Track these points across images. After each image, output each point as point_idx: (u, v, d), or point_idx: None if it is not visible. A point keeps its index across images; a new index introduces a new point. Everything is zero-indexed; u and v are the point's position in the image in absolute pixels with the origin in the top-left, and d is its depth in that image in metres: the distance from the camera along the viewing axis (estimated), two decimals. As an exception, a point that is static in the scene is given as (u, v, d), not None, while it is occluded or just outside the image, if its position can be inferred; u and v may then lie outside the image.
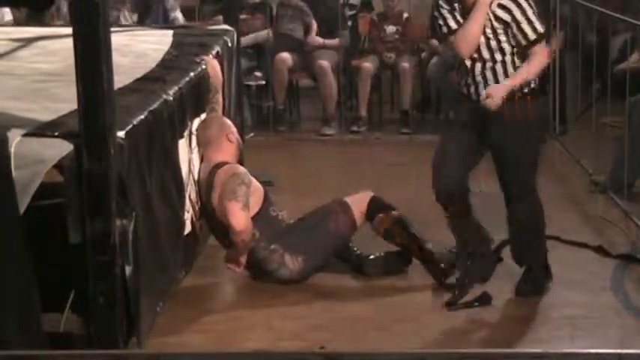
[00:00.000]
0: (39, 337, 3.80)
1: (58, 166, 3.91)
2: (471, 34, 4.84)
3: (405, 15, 8.87)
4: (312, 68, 8.60)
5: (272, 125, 8.59)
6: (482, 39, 4.86)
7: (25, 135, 3.85)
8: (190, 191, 5.08)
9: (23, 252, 3.75)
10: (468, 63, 4.91)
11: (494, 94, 4.82)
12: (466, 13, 4.87)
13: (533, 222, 5.03)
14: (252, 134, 8.10)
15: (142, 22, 8.55)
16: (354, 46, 9.13)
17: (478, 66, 4.90)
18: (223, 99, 5.78)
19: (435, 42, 8.72)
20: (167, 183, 4.68)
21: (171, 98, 4.74)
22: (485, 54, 4.89)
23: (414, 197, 6.69)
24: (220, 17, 7.48)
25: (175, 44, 6.13)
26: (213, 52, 5.87)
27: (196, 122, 5.31)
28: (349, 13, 9.26)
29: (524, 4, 4.83)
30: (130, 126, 4.13)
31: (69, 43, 3.88)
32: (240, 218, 4.91)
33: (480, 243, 5.21)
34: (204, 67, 5.51)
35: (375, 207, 5.30)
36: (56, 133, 3.92)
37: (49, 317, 4.01)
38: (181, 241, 4.93)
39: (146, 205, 4.30)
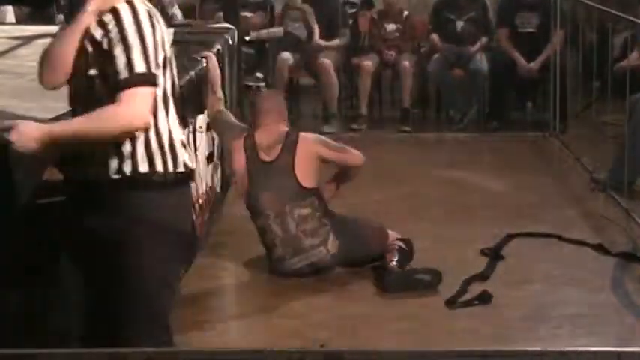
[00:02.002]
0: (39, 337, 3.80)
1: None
2: (55, 57, 3.27)
3: (406, 13, 8.87)
4: (314, 67, 8.60)
5: (272, 124, 8.58)
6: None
7: (25, 134, 3.84)
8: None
9: (23, 251, 3.75)
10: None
11: (23, 129, 3.18)
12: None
13: None
14: (252, 132, 8.09)
15: None
16: (354, 45, 9.14)
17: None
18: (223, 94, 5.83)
19: (435, 38, 8.74)
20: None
21: (171, 97, 4.73)
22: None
23: (413, 195, 6.71)
24: (221, 15, 7.48)
25: (176, 42, 6.12)
26: (214, 50, 5.86)
27: (198, 120, 5.31)
28: (350, 11, 9.27)
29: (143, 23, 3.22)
30: (130, 125, 4.12)
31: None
32: (355, 152, 5.38)
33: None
34: (204, 64, 5.52)
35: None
36: (56, 132, 3.90)
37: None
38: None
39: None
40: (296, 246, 5.17)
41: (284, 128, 5.33)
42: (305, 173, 5.19)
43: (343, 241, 5.20)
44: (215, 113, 5.50)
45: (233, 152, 5.32)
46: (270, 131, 5.27)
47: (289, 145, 5.23)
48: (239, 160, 5.28)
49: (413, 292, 5.00)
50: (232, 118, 5.61)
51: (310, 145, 5.25)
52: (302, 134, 5.32)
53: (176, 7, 8.82)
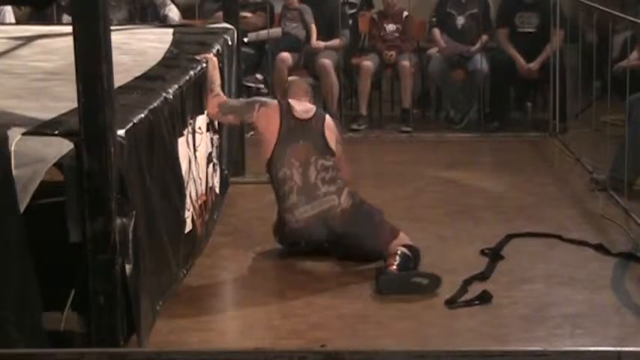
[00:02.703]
0: (39, 336, 3.80)
1: (59, 165, 3.91)
2: None
3: (405, 13, 8.87)
4: (314, 67, 8.61)
5: (272, 124, 8.58)
6: None
7: (26, 134, 3.85)
8: (191, 190, 5.09)
9: (24, 251, 3.75)
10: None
11: None
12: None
13: None
14: (252, 133, 8.07)
15: (132, 21, 8.44)
16: (354, 45, 9.14)
17: None
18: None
19: (437, 33, 8.74)
20: (167, 181, 4.68)
21: (171, 96, 4.74)
22: None
23: (413, 195, 6.71)
24: (221, 15, 7.48)
25: (175, 42, 6.14)
26: (214, 51, 5.87)
27: (197, 120, 5.32)
28: (349, 11, 9.26)
29: None
30: (130, 124, 4.13)
31: (69, 41, 3.89)
32: (349, 169, 5.71)
33: None
34: (204, 65, 5.52)
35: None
36: (56, 132, 3.92)
37: (50, 316, 4.01)
38: (182, 240, 4.93)
39: (146, 203, 4.30)
40: (311, 193, 5.35)
41: (310, 106, 5.65)
42: (331, 139, 5.50)
43: (355, 218, 5.34)
44: (219, 107, 5.56)
45: (266, 111, 5.49)
46: (303, 103, 5.62)
47: (319, 115, 5.60)
48: (274, 118, 5.46)
49: (410, 294, 4.97)
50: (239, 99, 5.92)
51: (333, 126, 5.59)
52: (327, 117, 5.68)
53: (170, 7, 8.79)
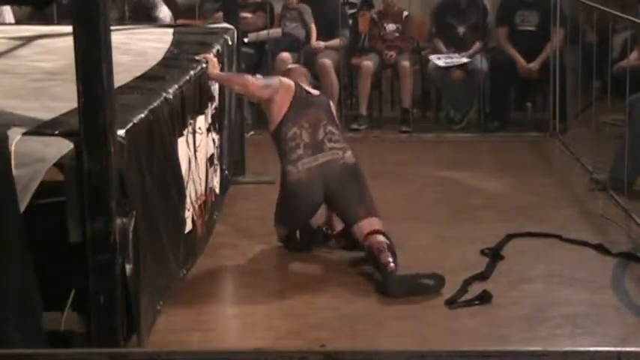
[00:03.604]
0: (39, 336, 3.80)
1: (59, 165, 3.91)
2: None
3: (405, 13, 8.87)
4: (314, 67, 8.60)
5: (272, 124, 8.58)
6: None
7: (26, 134, 3.85)
8: (191, 190, 5.09)
9: (24, 250, 3.75)
10: None
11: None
12: None
13: None
14: (252, 133, 8.09)
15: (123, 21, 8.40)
16: (354, 45, 9.14)
17: None
18: (222, 95, 5.90)
19: (440, 44, 8.75)
20: (167, 181, 4.68)
21: (171, 97, 4.74)
22: None
23: (413, 195, 6.71)
24: (221, 15, 7.48)
25: (175, 42, 6.14)
26: (214, 51, 5.87)
27: (198, 121, 5.32)
28: (349, 11, 9.26)
29: None
30: (130, 124, 4.13)
31: (69, 41, 3.88)
32: None
33: None
34: (204, 65, 5.53)
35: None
36: (56, 132, 3.91)
37: (50, 316, 4.01)
38: (182, 240, 4.93)
39: (146, 203, 4.30)
40: (317, 148, 5.51)
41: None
42: (335, 116, 5.80)
43: (352, 174, 5.50)
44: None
45: (286, 85, 5.63)
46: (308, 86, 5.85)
47: (324, 96, 6.01)
48: (290, 91, 5.61)
49: (416, 295, 4.97)
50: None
51: (333, 107, 5.89)
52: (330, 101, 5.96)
53: (161, 9, 8.76)
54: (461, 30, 8.78)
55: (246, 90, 5.71)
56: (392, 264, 5.09)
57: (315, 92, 5.82)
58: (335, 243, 5.58)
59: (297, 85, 5.66)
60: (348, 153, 5.56)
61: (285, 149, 5.53)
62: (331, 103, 5.86)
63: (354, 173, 5.52)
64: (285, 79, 5.70)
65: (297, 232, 5.58)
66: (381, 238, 5.23)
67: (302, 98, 5.61)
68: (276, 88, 5.59)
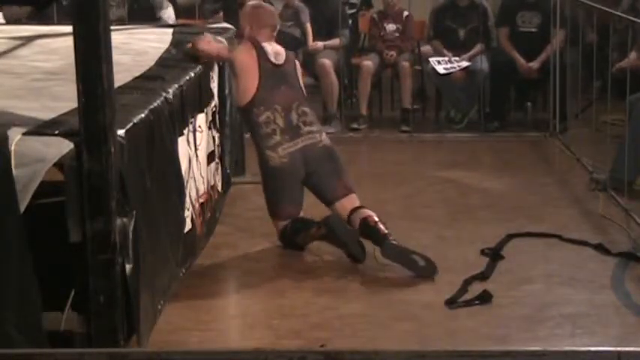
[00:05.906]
0: (39, 336, 3.80)
1: (59, 165, 3.91)
2: None
3: (405, 13, 8.87)
4: (313, 67, 8.60)
5: (272, 123, 8.57)
6: None
7: (26, 134, 3.85)
8: (191, 189, 5.09)
9: (24, 250, 3.75)
10: None
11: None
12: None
13: None
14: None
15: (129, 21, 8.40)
16: (354, 45, 9.14)
17: None
18: (222, 94, 5.96)
19: (439, 46, 8.75)
20: (167, 181, 4.68)
21: (171, 96, 4.74)
22: None
23: (413, 195, 6.71)
24: (221, 15, 7.48)
25: (175, 42, 6.13)
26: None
27: (198, 119, 5.32)
28: (349, 11, 9.27)
29: None
30: (130, 124, 4.13)
31: (69, 41, 3.88)
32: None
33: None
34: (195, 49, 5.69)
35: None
36: (56, 132, 3.91)
37: (50, 316, 4.01)
38: (181, 240, 4.93)
39: (146, 203, 4.30)
40: (294, 133, 5.57)
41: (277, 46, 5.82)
42: (301, 80, 5.89)
43: (330, 154, 5.64)
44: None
45: (242, 55, 5.65)
46: (273, 44, 5.78)
47: (290, 57, 5.83)
48: (251, 55, 5.63)
49: (405, 267, 5.20)
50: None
51: (299, 65, 5.95)
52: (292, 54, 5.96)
53: (168, 9, 8.76)
54: (461, 33, 8.78)
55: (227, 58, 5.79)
56: (380, 225, 5.35)
57: (280, 57, 5.72)
58: (315, 230, 5.54)
59: (260, 54, 5.63)
60: (324, 135, 5.71)
61: (260, 133, 5.58)
62: (296, 63, 5.88)
63: (331, 153, 5.67)
64: (244, 43, 5.72)
65: (292, 227, 5.55)
66: (369, 211, 5.47)
67: (269, 74, 5.61)
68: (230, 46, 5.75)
